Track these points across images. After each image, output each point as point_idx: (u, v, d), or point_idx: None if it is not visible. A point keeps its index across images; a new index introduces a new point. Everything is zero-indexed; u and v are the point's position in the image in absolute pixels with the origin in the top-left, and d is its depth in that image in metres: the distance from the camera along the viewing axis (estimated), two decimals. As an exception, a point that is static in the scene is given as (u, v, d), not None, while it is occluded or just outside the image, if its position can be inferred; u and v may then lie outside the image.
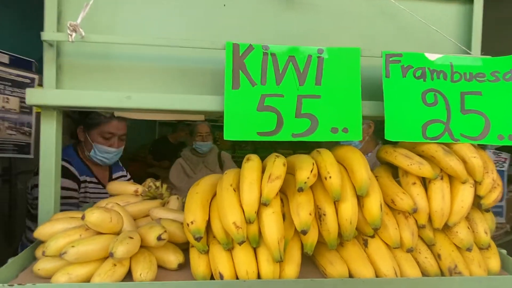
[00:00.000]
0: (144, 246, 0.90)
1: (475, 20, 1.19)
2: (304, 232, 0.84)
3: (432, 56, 1.07)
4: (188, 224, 0.86)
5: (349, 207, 0.90)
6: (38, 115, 2.60)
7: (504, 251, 1.05)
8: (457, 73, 1.07)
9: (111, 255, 0.77)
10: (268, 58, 1.02)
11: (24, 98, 2.68)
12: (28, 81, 2.67)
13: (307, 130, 1.01)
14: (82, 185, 1.75)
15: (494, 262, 0.98)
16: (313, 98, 1.02)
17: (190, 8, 1.13)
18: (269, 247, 0.84)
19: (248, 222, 0.85)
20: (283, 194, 0.98)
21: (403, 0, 1.17)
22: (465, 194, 0.96)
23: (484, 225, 1.00)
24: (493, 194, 1.00)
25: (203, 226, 0.86)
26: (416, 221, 0.97)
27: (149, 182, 1.31)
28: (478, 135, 1.03)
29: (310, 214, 0.86)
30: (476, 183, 0.99)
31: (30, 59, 2.71)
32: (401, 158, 1.02)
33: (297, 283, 0.84)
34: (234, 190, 0.89)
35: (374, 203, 0.91)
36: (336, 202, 0.92)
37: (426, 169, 0.97)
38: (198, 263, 0.88)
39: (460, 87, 1.06)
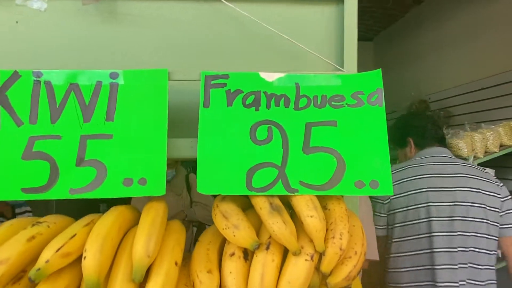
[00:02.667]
0: None
1: (347, 24, 0.91)
2: None
3: (269, 76, 0.80)
4: None
5: (111, 301, 0.62)
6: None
7: None
8: (304, 97, 0.79)
9: None
10: (41, 88, 0.77)
11: None
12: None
13: (91, 183, 0.74)
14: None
15: None
16: (102, 138, 0.76)
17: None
18: None
19: None
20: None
21: (254, 3, 0.91)
22: (295, 272, 0.67)
23: (333, 313, 0.70)
24: (344, 268, 0.70)
25: None
26: (228, 311, 0.68)
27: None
28: (325, 183, 0.74)
29: (36, 318, 0.59)
30: (319, 255, 0.70)
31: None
32: (219, 217, 0.74)
33: None
34: None
35: (150, 293, 0.63)
36: (102, 291, 0.64)
37: (241, 236, 0.69)
38: None
39: (306, 116, 0.78)
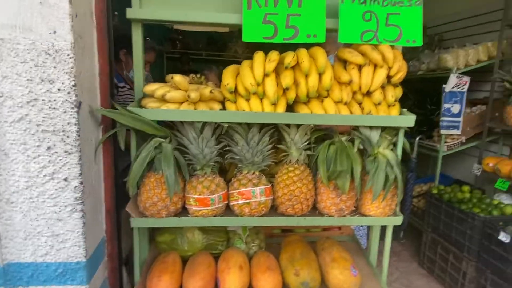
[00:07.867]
0: (202, 101, 1.64)
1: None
2: (287, 88, 1.58)
3: (371, -10, 1.72)
4: (225, 85, 1.59)
5: (313, 79, 1.62)
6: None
7: (405, 110, 1.79)
8: (386, 0, 1.72)
9: (188, 97, 1.51)
10: (269, -10, 1.67)
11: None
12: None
13: (292, 36, 1.69)
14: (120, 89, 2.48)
15: (394, 112, 1.74)
16: (296, 16, 1.69)
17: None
18: (268, 97, 1.58)
19: (257, 84, 1.58)
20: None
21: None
22: (380, 74, 1.68)
23: (392, 92, 1.73)
24: (399, 74, 1.72)
25: (233, 86, 1.59)
26: (352, 89, 1.70)
27: (192, 75, 2.02)
28: (394, 39, 1.72)
29: (291, 81, 1.59)
30: (390, 68, 1.70)
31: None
32: (347, 53, 1.72)
33: (279, 115, 1.60)
34: (250, 68, 1.61)
35: (327, 76, 1.63)
36: (306, 77, 1.64)
37: (360, 59, 1.68)
38: (229, 107, 1.63)
39: (386, 10, 1.72)
